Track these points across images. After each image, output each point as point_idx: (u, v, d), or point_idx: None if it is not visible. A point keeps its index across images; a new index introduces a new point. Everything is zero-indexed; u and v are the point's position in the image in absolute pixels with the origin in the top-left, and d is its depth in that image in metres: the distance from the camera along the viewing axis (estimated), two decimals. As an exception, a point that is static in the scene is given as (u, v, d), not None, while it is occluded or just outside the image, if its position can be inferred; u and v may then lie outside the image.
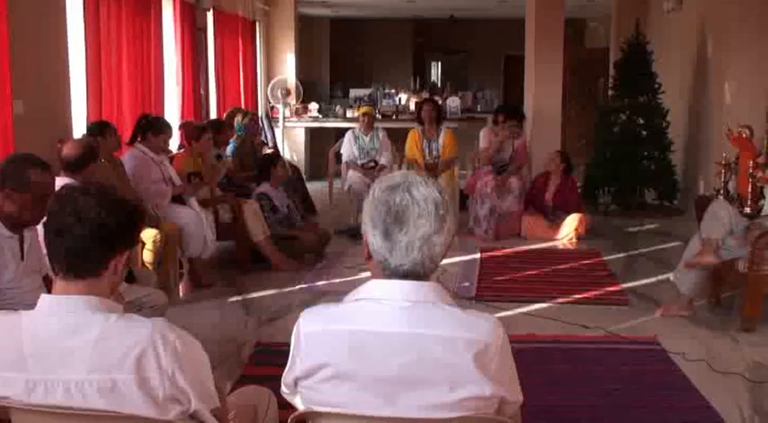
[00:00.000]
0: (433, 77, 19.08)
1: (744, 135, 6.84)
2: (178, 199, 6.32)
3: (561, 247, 7.81)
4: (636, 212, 9.34)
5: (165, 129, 6.30)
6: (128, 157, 6.08)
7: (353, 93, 13.87)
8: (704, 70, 9.18)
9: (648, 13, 11.72)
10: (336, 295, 6.13)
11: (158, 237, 5.54)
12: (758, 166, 6.34)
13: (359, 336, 1.86)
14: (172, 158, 6.80)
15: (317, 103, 12.77)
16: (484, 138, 8.32)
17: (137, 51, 6.97)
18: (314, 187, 11.02)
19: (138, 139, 6.16)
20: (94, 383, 1.87)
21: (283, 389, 2.05)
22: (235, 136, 8.13)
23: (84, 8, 6.00)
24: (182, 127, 7.27)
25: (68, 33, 5.86)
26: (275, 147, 11.46)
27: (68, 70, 5.87)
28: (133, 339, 1.89)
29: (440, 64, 19.30)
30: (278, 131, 11.84)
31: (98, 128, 5.73)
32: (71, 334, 1.89)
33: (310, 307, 2.00)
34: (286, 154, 12.12)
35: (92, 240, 1.96)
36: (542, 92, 8.95)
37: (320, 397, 1.91)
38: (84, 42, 6.03)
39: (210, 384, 2.05)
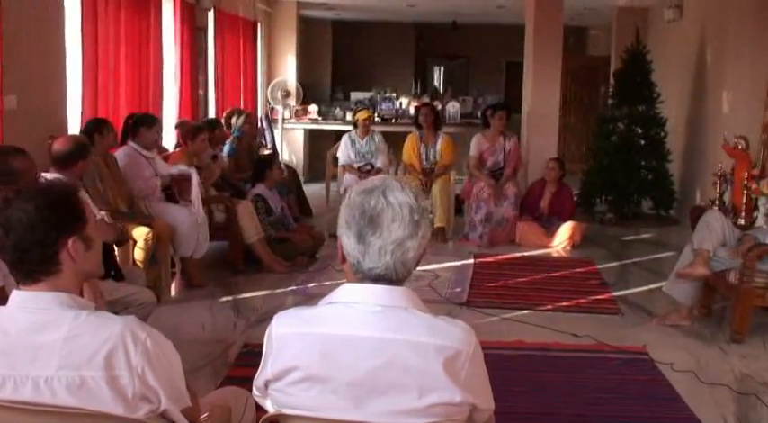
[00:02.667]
0: (435, 82, 19.08)
1: (739, 146, 6.83)
2: (172, 198, 6.32)
3: (555, 254, 7.80)
4: (632, 222, 9.33)
5: (156, 121, 6.31)
6: (121, 154, 6.07)
7: (354, 96, 13.86)
8: (703, 80, 9.18)
9: (649, 23, 11.74)
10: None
11: (150, 235, 5.53)
12: (752, 177, 6.34)
13: (329, 339, 1.86)
14: (167, 158, 6.80)
15: (318, 105, 12.78)
16: (474, 145, 8.30)
17: (135, 49, 6.95)
18: (312, 189, 11.03)
19: (129, 138, 6.15)
20: (63, 380, 1.87)
21: (254, 391, 2.05)
22: (232, 137, 8.12)
23: (82, 5, 5.99)
24: (178, 126, 7.26)
25: (66, 30, 5.85)
26: (274, 148, 11.46)
27: (65, 67, 5.85)
28: (103, 337, 1.89)
29: (442, 69, 19.30)
30: (277, 133, 11.83)
31: (96, 125, 5.73)
32: (41, 330, 1.89)
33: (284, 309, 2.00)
34: (285, 155, 12.14)
35: (29, 247, 1.94)
36: (540, 98, 8.94)
37: (290, 400, 1.90)
38: (81, 39, 6.02)
39: (182, 384, 2.04)
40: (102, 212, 5.10)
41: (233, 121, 8.32)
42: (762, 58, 7.36)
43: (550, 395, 4.20)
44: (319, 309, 1.93)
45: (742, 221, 6.37)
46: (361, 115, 8.99)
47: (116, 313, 4.10)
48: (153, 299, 4.34)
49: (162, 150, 7.07)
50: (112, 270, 4.41)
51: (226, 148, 7.96)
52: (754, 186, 6.22)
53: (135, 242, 5.54)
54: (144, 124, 6.14)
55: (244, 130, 8.21)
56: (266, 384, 1.95)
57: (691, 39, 9.64)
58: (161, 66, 7.57)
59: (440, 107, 12.32)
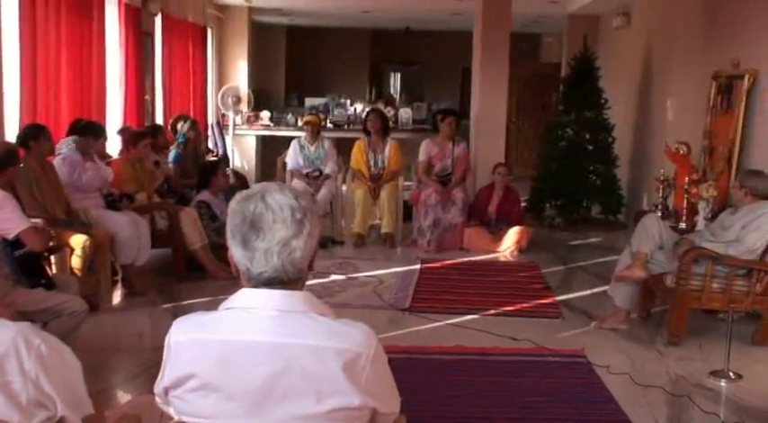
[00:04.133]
0: (391, 88, 19.11)
1: (681, 151, 6.94)
2: (113, 205, 6.23)
3: (502, 259, 7.83)
4: (580, 226, 9.41)
5: (103, 132, 6.25)
6: (59, 161, 5.98)
7: (309, 101, 13.84)
8: (649, 87, 9.30)
9: (599, 30, 11.87)
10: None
11: (87, 243, 5.43)
12: (693, 182, 6.43)
13: (226, 346, 1.83)
14: (109, 164, 6.71)
15: (272, 111, 12.72)
16: (423, 151, 8.31)
17: (77, 54, 6.87)
18: (263, 196, 10.98)
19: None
20: None
21: (156, 399, 2.01)
22: (176, 143, 8.05)
23: (19, 7, 5.90)
24: (120, 132, 7.17)
25: (2, 33, 5.76)
26: (224, 154, 11.39)
27: (0, 71, 5.77)
28: None
29: (399, 75, 19.33)
30: (228, 139, 11.77)
31: (32, 131, 5.62)
32: None
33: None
34: (236, 162, 12.07)
35: None
36: (488, 104, 8.98)
37: (189, 408, 1.87)
38: (19, 43, 5.93)
39: (82, 391, 2.01)
40: (35, 220, 5.04)
41: (178, 127, 8.24)
42: (704, 66, 7.48)
43: (486, 400, 4.20)
44: (217, 314, 1.90)
45: (683, 225, 6.47)
46: (307, 119, 8.94)
47: (46, 323, 4.08)
48: (84, 307, 4.26)
49: (106, 157, 6.99)
50: (43, 279, 4.33)
51: (171, 155, 7.89)
52: (694, 190, 6.32)
53: (72, 250, 5.45)
54: (91, 134, 6.07)
55: (189, 136, 8.13)
56: (166, 391, 1.92)
57: (638, 46, 9.76)
58: (104, 71, 7.48)
59: (391, 113, 12.34)
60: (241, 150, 12.34)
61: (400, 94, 18.49)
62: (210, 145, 11.39)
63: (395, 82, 19.38)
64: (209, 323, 1.89)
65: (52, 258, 5.30)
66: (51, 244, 4.83)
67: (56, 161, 6.01)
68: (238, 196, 1.90)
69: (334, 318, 1.90)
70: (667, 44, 8.61)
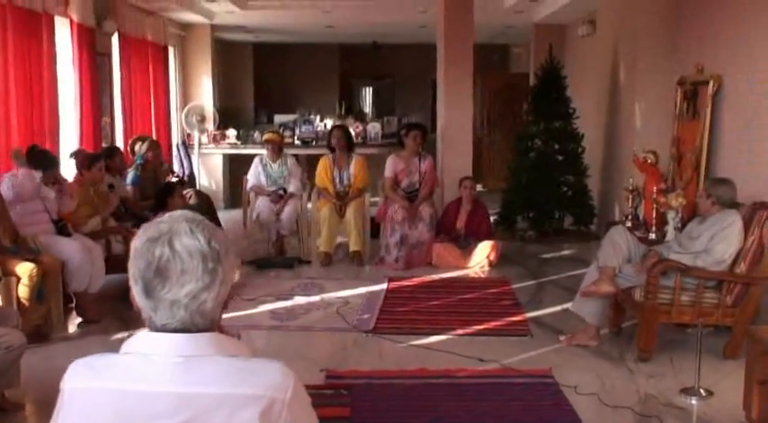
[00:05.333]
0: (363, 103, 18.98)
1: (648, 160, 6.80)
2: (63, 231, 6.01)
3: (473, 275, 7.66)
4: (553, 238, 9.26)
5: (56, 163, 6.06)
6: (5, 184, 5.75)
7: (278, 118, 13.65)
8: (616, 95, 9.18)
9: (566, 39, 11.78)
10: (228, 328, 5.91)
11: (35, 271, 5.22)
12: (661, 191, 6.29)
13: (123, 396, 1.63)
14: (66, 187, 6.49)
15: (240, 129, 12.51)
16: (389, 166, 8.14)
17: (26, 75, 6.65)
18: (231, 215, 10.80)
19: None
20: None
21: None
22: (135, 164, 7.83)
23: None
24: (73, 155, 6.95)
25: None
26: (190, 174, 11.18)
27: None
28: None
29: (369, 89, 19.22)
30: (195, 158, 11.55)
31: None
32: None
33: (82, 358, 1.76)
34: (203, 181, 11.85)
35: None
36: (453, 117, 8.81)
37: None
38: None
39: None
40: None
41: (136, 148, 8.03)
42: (670, 72, 7.37)
43: (447, 426, 4.02)
44: (115, 358, 1.70)
45: (653, 236, 6.32)
46: (267, 137, 8.74)
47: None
48: (21, 340, 4.06)
49: (61, 180, 6.77)
50: (-24, 312, 4.11)
51: (129, 177, 7.66)
52: (662, 200, 6.18)
53: (19, 279, 5.23)
54: (47, 165, 5.90)
55: (147, 157, 7.91)
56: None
57: (604, 53, 9.65)
58: (56, 93, 7.24)
59: (360, 128, 12.18)
60: (208, 170, 12.11)
61: (371, 109, 18.38)
62: (176, 165, 11.19)
63: (366, 96, 19.27)
64: (105, 369, 1.69)
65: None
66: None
67: (2, 183, 5.78)
68: (143, 235, 1.68)
69: (247, 358, 1.71)
70: (632, 50, 8.49)
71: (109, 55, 8.89)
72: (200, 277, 1.64)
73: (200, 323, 1.67)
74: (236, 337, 1.94)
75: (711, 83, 6.34)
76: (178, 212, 1.75)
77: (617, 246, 5.22)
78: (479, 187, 14.49)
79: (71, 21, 7.68)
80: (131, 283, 1.69)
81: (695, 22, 6.99)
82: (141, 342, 1.69)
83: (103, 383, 1.66)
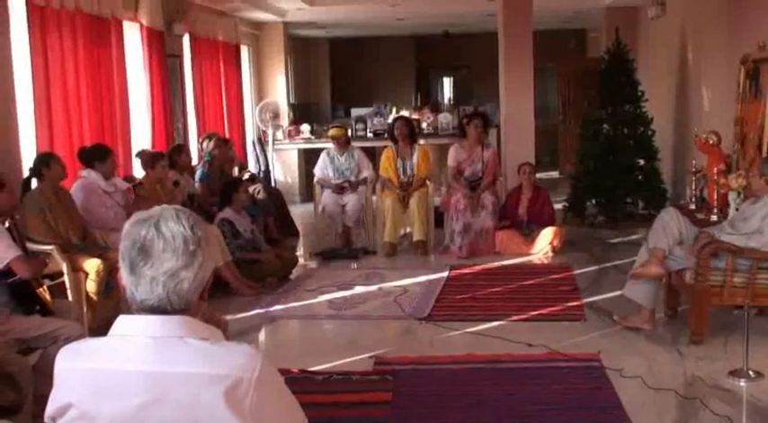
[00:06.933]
0: (441, 93, 19.00)
1: (710, 141, 6.65)
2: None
3: (536, 261, 7.65)
4: (624, 223, 9.14)
5: (108, 153, 6.30)
6: (76, 186, 6.06)
7: (355, 112, 13.80)
8: (685, 77, 9.00)
9: (637, 21, 11.57)
10: (289, 319, 6.10)
11: (101, 267, 5.48)
12: (721, 172, 6.17)
13: (100, 375, 1.79)
14: (136, 185, 6.79)
15: (316, 124, 12.70)
16: (451, 156, 8.19)
17: (96, 80, 6.93)
18: (306, 208, 11.00)
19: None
20: None
21: (45, 428, 1.97)
22: (203, 161, 8.10)
23: (29, 36, 6.00)
24: (138, 155, 7.24)
25: (13, 62, 5.88)
26: (266, 170, 11.44)
27: (14, 100, 5.88)
28: None
29: (451, 79, 19.22)
30: (270, 154, 11.81)
31: (43, 158, 5.72)
32: None
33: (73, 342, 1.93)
34: (279, 176, 12.11)
35: None
36: (515, 104, 8.80)
37: (73, 437, 1.83)
38: (31, 73, 6.03)
39: None
40: (46, 247, 5.14)
41: (204, 145, 8.30)
42: (733, 50, 7.19)
43: (486, 409, 4.07)
44: (98, 342, 1.86)
45: (715, 217, 6.20)
46: (331, 133, 8.90)
47: (44, 348, 4.11)
48: (80, 331, 4.28)
49: (133, 179, 7.07)
50: (37, 305, 4.37)
51: (197, 173, 7.94)
52: (722, 181, 6.05)
53: (87, 274, 5.51)
54: (96, 158, 6.15)
55: (213, 154, 8.17)
56: (53, 420, 1.88)
57: (673, 34, 9.47)
58: (127, 96, 7.54)
59: (431, 119, 12.23)
60: (283, 165, 12.37)
61: (450, 99, 18.37)
62: (252, 161, 11.46)
63: (444, 87, 19.27)
64: (88, 351, 1.85)
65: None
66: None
67: (73, 186, 6.10)
68: (134, 218, 1.86)
69: (217, 341, 1.83)
70: (699, 29, 8.31)
71: (180, 56, 9.17)
72: (179, 257, 1.78)
73: (176, 302, 1.80)
74: (223, 323, 2.07)
75: (773, 60, 6.18)
76: (160, 207, 1.90)
77: (668, 227, 5.16)
78: (555, 173, 14.43)
79: (141, 25, 7.97)
80: (119, 261, 1.84)
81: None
82: (119, 325, 1.84)
83: (86, 364, 1.82)
